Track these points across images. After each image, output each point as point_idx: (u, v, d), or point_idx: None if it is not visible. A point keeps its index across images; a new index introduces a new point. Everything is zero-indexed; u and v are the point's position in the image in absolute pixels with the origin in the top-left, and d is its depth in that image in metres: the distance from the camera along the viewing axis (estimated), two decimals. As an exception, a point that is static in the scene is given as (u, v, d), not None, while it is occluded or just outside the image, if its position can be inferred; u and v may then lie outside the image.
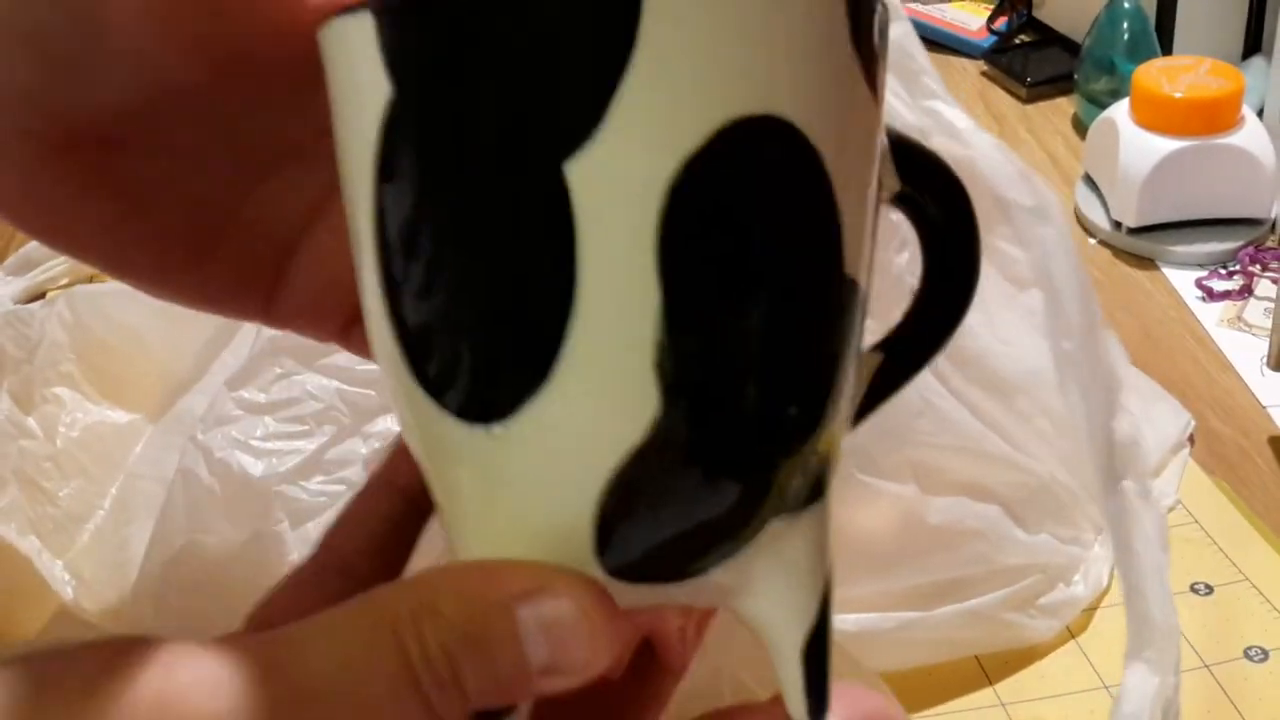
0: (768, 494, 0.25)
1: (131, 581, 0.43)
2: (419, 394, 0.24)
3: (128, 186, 0.30)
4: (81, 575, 0.45)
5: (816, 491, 0.26)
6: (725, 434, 0.24)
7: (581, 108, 0.21)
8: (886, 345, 0.29)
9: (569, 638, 0.24)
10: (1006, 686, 0.45)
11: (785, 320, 0.23)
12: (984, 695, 0.45)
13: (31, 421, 0.46)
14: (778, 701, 0.27)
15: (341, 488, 0.42)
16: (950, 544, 0.44)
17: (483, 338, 0.23)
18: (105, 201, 0.30)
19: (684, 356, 0.22)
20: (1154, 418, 0.55)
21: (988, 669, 0.45)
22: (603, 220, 0.22)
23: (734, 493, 0.24)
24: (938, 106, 0.40)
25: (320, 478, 0.42)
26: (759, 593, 0.26)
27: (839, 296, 0.24)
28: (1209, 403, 0.59)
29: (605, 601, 0.24)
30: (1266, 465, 0.55)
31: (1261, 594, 0.48)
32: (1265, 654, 0.45)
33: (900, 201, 0.28)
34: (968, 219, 0.29)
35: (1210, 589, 0.48)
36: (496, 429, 0.23)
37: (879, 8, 0.25)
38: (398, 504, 0.30)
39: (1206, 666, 0.45)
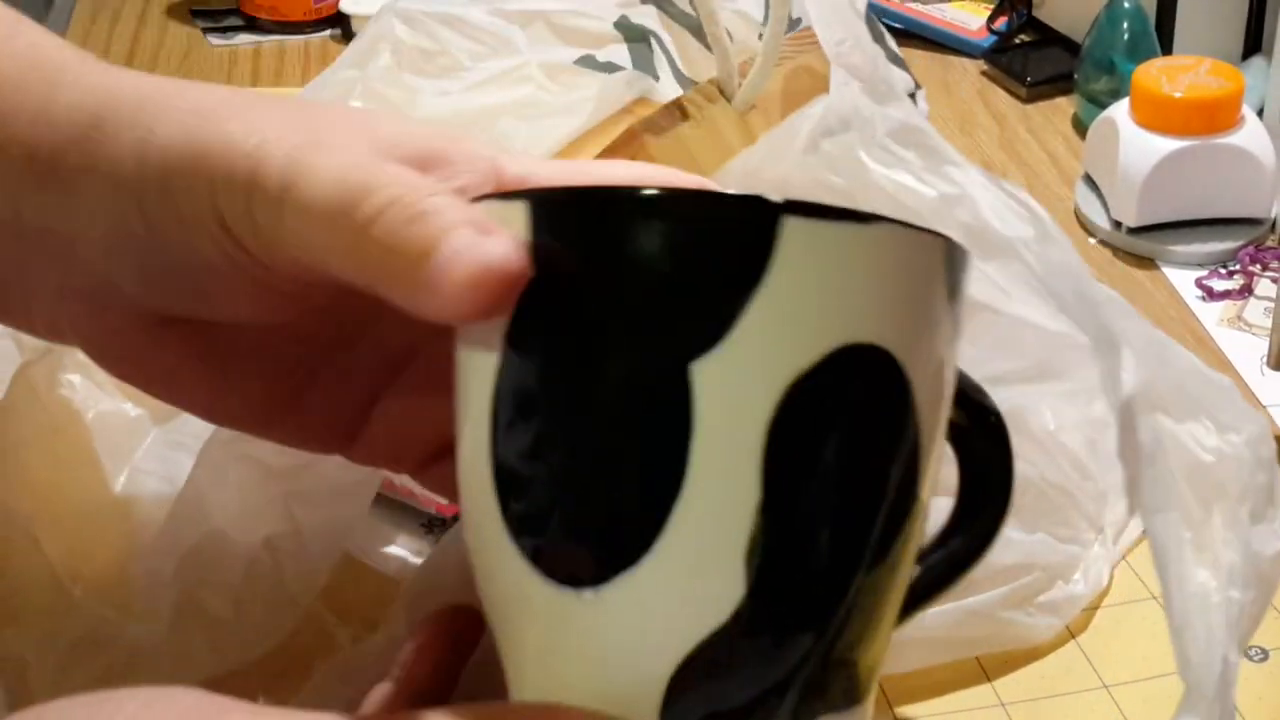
0: (820, 692, 0.26)
1: (135, 571, 0.44)
2: (509, 551, 0.26)
3: (221, 354, 0.33)
4: (89, 561, 0.45)
5: (860, 694, 0.28)
6: (799, 627, 0.25)
7: (712, 319, 0.24)
8: (922, 558, 0.31)
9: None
10: (1006, 686, 0.45)
11: (865, 529, 0.26)
12: (983, 694, 0.44)
13: (48, 405, 0.47)
14: None
15: (360, 476, 0.43)
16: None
17: (592, 508, 0.25)
18: (201, 365, 0.33)
19: (774, 552, 0.24)
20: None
21: (987, 668, 0.45)
22: (718, 418, 0.24)
23: (797, 683, 0.26)
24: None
25: (333, 480, 0.43)
26: None
27: (912, 515, 0.27)
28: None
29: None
30: (1267, 465, 0.55)
31: (1262, 594, 0.48)
32: (1265, 654, 0.45)
33: (950, 429, 0.30)
34: (1006, 453, 0.31)
35: (1211, 589, 0.48)
36: (587, 594, 0.25)
37: (968, 258, 0.28)
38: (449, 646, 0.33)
39: (1207, 666, 0.45)
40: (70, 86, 0.31)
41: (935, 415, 0.27)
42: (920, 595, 0.31)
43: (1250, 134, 0.68)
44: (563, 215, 0.25)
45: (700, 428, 0.24)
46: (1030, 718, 0.43)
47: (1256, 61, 0.80)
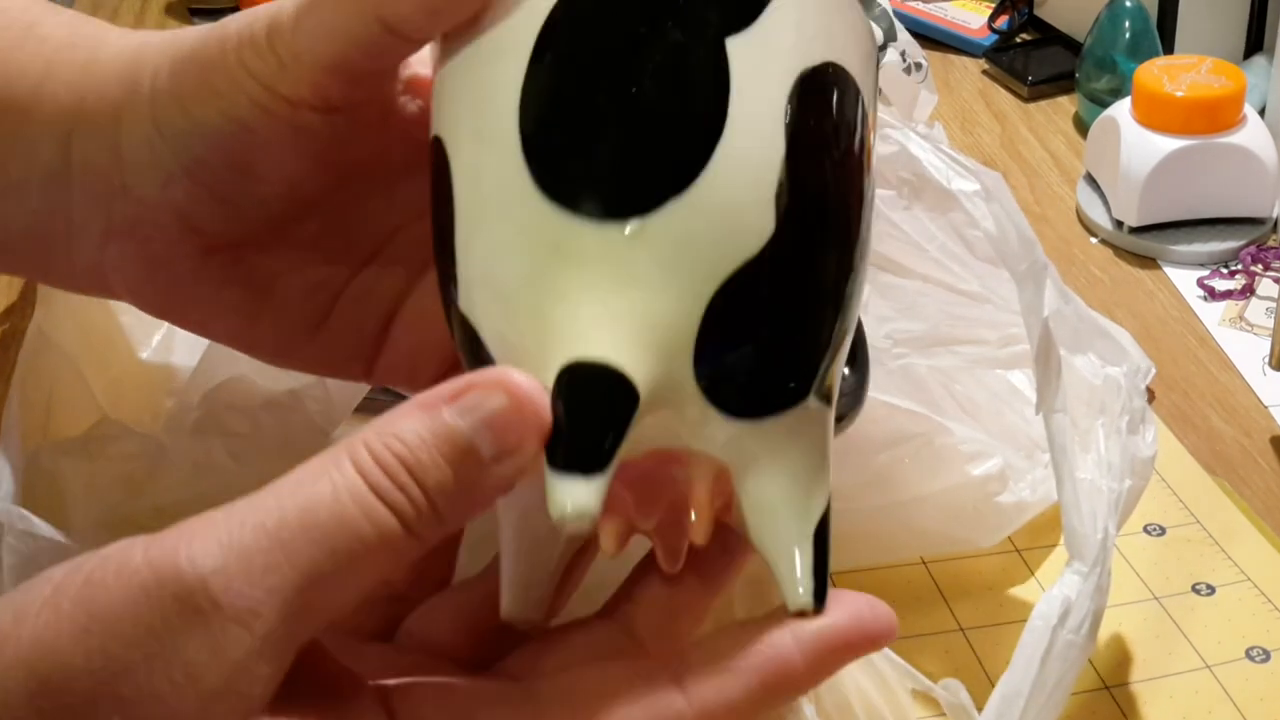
0: (817, 352, 0.31)
1: (167, 402, 0.49)
2: (539, 200, 0.29)
3: (257, 279, 0.36)
4: (128, 395, 0.51)
5: (833, 390, 0.32)
6: (811, 271, 0.30)
7: (747, 5, 0.30)
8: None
9: (506, 422, 0.27)
10: (964, 611, 0.47)
11: (855, 187, 0.31)
12: (943, 618, 0.47)
13: None
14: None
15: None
16: (889, 442, 0.48)
17: (646, 141, 0.29)
18: (238, 292, 0.36)
19: (795, 196, 0.29)
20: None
21: (945, 592, 0.48)
22: (749, 82, 0.29)
23: (803, 334, 0.30)
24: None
25: None
26: (781, 468, 0.30)
27: (871, 187, 0.32)
28: (1210, 402, 0.59)
29: (527, 379, 0.27)
30: (1268, 465, 0.55)
31: (1263, 594, 0.48)
32: (1267, 654, 0.45)
33: None
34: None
35: (1212, 589, 0.48)
36: (633, 224, 0.28)
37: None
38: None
39: (1209, 667, 0.45)
40: (114, 42, 0.36)
41: (873, 121, 0.33)
42: None
43: (1252, 133, 0.68)
44: None
45: (735, 87, 0.29)
46: (990, 642, 0.44)
47: (1258, 60, 0.80)
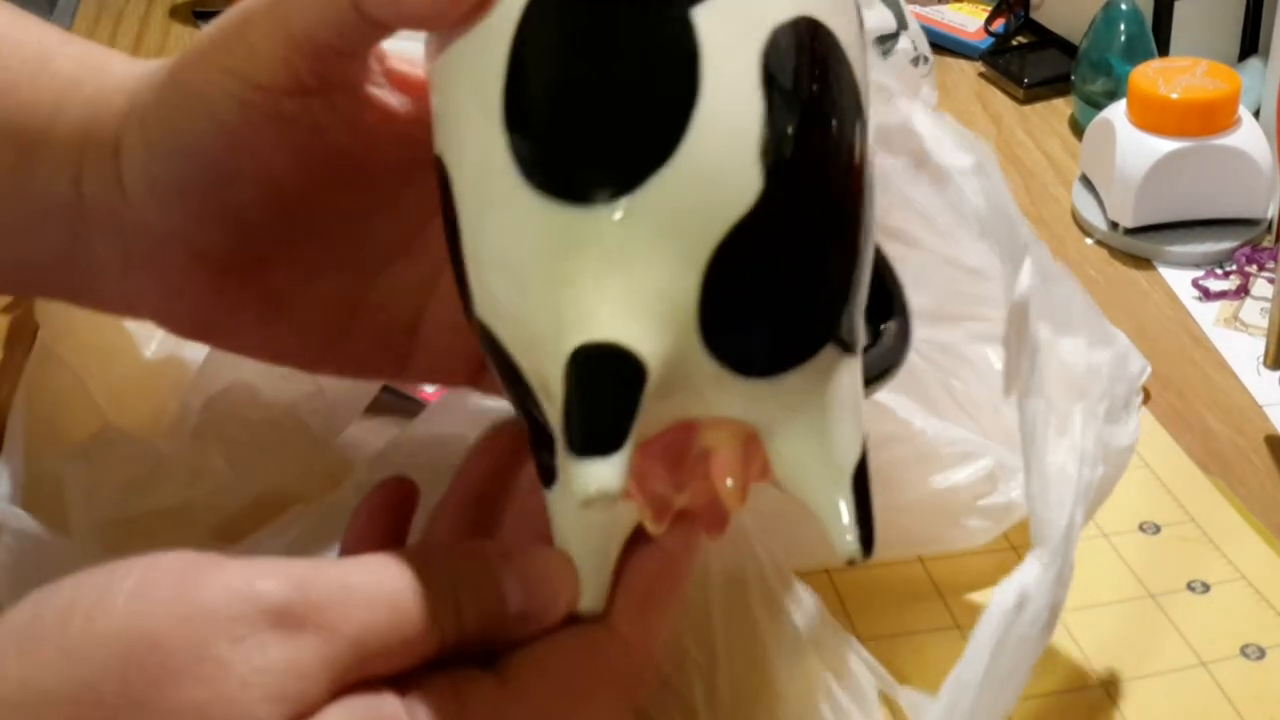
0: (826, 302, 0.31)
1: (169, 408, 0.50)
2: (528, 192, 0.30)
3: (273, 295, 0.37)
4: (131, 403, 0.51)
5: (856, 339, 0.32)
6: (805, 224, 0.30)
7: None
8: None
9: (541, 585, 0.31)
10: (961, 608, 0.48)
11: (843, 138, 0.31)
12: (940, 615, 0.47)
13: None
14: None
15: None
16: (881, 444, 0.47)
17: (613, 122, 0.29)
18: (257, 309, 0.37)
19: (780, 150, 0.29)
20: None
21: (941, 589, 0.48)
22: (720, 49, 0.29)
23: (807, 287, 0.30)
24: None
25: None
26: (810, 420, 0.31)
27: (866, 134, 0.32)
28: (1205, 402, 0.59)
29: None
30: (1263, 464, 0.55)
31: (1258, 592, 0.48)
32: (1262, 652, 0.45)
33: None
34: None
35: (1207, 587, 0.48)
36: (623, 202, 0.29)
37: None
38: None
39: (1204, 664, 0.45)
40: (116, 73, 0.36)
41: (864, 72, 0.33)
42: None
43: (1247, 135, 0.69)
44: None
45: (705, 53, 0.29)
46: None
47: (1253, 63, 0.80)
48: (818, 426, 0.31)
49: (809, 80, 0.30)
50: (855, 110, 0.32)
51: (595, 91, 0.30)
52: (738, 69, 0.29)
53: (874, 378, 0.37)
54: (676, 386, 0.30)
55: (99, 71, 0.37)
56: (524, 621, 0.31)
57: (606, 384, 0.29)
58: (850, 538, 0.31)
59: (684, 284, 0.29)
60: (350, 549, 0.37)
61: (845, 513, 0.31)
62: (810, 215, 0.30)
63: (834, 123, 0.31)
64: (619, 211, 0.29)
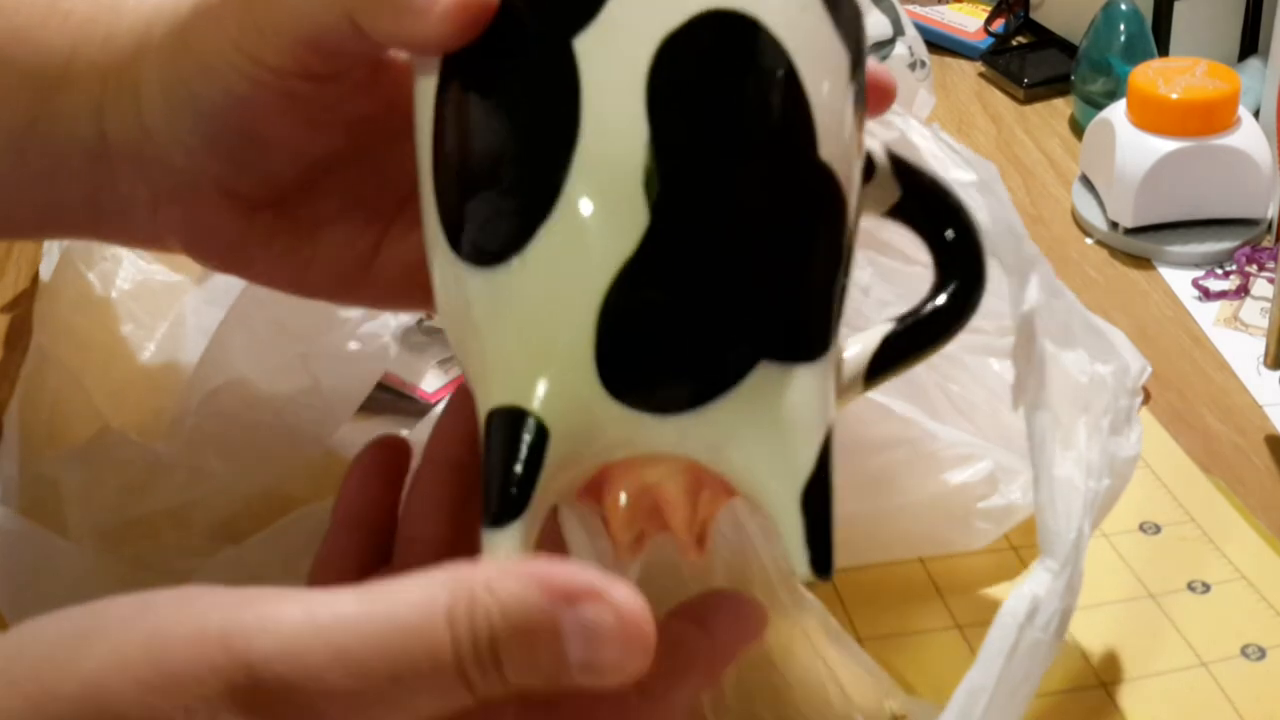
0: (746, 324, 0.28)
1: (167, 407, 0.50)
2: (452, 259, 0.30)
3: (302, 229, 0.38)
4: (130, 402, 0.52)
5: (811, 346, 0.29)
6: (704, 251, 0.28)
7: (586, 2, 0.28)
8: (901, 318, 0.33)
9: (605, 641, 0.25)
10: (961, 608, 0.48)
11: (747, 159, 0.28)
12: (940, 616, 0.47)
13: (91, 276, 0.54)
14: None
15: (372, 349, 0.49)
16: (881, 446, 0.47)
17: (505, 176, 0.28)
18: (286, 242, 0.38)
19: (668, 179, 0.27)
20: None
21: (941, 590, 0.48)
22: (600, 76, 0.27)
23: (715, 315, 0.28)
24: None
25: (355, 344, 0.49)
26: (751, 440, 0.29)
27: (806, 164, 0.29)
28: (1206, 402, 0.59)
29: (643, 611, 0.26)
30: (1263, 464, 0.55)
31: (1259, 592, 0.48)
32: (1262, 652, 0.45)
33: (901, 212, 0.33)
34: (967, 229, 0.34)
35: (1207, 587, 0.48)
36: (514, 262, 0.28)
37: None
38: (451, 477, 0.37)
39: (1204, 664, 0.45)
40: (129, 12, 0.36)
41: (822, 79, 0.29)
42: (901, 351, 0.33)
43: (1246, 135, 0.69)
44: None
45: (586, 86, 0.27)
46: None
47: (1253, 63, 0.80)
48: (764, 440, 0.29)
49: (713, 81, 0.28)
50: (791, 107, 0.29)
51: (485, 153, 0.29)
52: (619, 95, 0.28)
53: (909, 353, 0.33)
54: (595, 435, 0.29)
55: (111, 11, 0.37)
56: (583, 672, 0.26)
57: (509, 451, 0.28)
58: (800, 557, 0.29)
59: (578, 336, 0.28)
60: (342, 518, 0.37)
61: (796, 531, 0.29)
62: (705, 241, 0.28)
63: (748, 131, 0.28)
64: (513, 270, 0.28)
